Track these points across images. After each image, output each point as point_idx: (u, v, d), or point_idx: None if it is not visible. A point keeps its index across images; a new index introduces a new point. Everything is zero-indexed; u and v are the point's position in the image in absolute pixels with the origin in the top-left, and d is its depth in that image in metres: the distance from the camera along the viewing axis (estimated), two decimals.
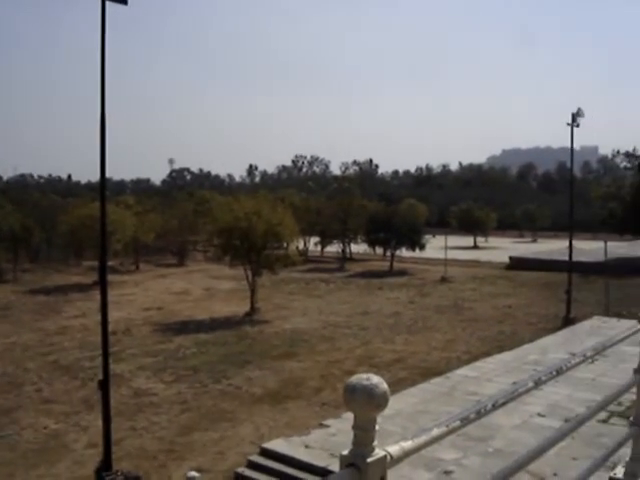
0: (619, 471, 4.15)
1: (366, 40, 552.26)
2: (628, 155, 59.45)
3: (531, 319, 26.36)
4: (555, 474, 9.26)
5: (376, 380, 1.96)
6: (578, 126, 29.93)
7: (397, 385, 16.32)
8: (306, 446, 11.18)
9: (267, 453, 11.50)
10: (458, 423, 2.25)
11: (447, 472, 10.12)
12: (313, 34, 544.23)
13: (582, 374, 15.57)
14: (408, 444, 2.01)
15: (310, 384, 17.03)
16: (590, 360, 16.97)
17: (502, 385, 14.42)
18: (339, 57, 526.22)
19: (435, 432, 2.16)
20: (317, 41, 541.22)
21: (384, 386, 1.95)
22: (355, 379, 1.97)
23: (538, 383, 2.70)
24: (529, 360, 17.30)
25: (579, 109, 30.07)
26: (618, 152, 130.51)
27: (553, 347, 18.90)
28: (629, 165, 58.91)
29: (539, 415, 12.61)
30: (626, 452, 4.19)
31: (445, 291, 34.52)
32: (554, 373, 2.83)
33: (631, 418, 4.21)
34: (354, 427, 1.96)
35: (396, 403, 14.10)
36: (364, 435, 1.93)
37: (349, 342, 22.20)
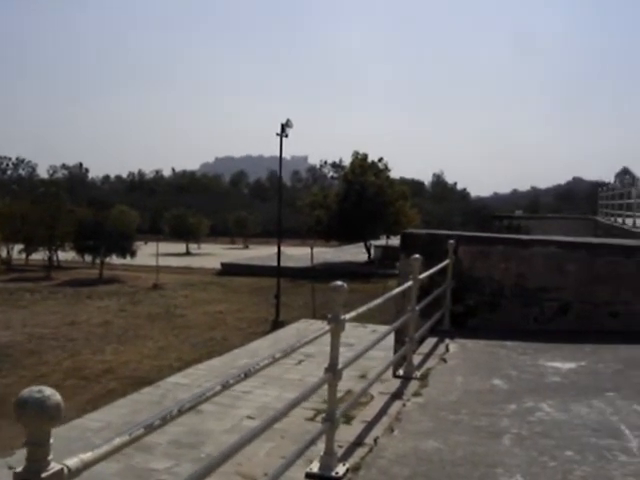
0: (314, 465, 4.31)
1: (82, 39, 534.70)
2: (334, 166, 63.03)
3: (242, 324, 26.92)
4: (266, 474, 9.50)
5: (49, 392, 1.84)
6: (287, 136, 31.28)
7: (107, 397, 15.93)
8: (10, 467, 10.50)
9: None
10: (142, 431, 2.19)
11: None
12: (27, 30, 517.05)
13: (290, 375, 16.15)
14: (87, 455, 1.91)
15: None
16: (297, 361, 17.70)
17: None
18: (54, 56, 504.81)
19: (117, 441, 2.08)
20: (31, 38, 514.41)
21: (57, 397, 1.85)
22: (26, 392, 1.84)
23: (226, 386, 2.71)
24: (239, 364, 17.57)
25: (288, 120, 31.42)
26: (326, 162, 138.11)
27: (262, 350, 19.35)
28: (335, 175, 62.47)
29: (249, 418, 12.84)
30: (322, 447, 4.39)
31: (157, 298, 34.13)
32: (242, 375, 2.87)
33: (324, 415, 4.41)
34: (27, 443, 1.83)
35: (106, 415, 13.71)
36: (38, 450, 1.81)
37: (56, 355, 21.21)
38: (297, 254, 48.65)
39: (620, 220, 22.70)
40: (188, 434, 12.42)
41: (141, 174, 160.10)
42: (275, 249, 32.25)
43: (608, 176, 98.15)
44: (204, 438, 11.74)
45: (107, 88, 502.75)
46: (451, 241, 8.70)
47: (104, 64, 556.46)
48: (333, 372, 4.11)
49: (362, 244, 51.46)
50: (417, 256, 6.61)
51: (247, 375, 2.86)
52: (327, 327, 3.99)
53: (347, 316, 4.18)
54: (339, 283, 4.09)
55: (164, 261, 44.61)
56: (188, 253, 67.18)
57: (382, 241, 52.70)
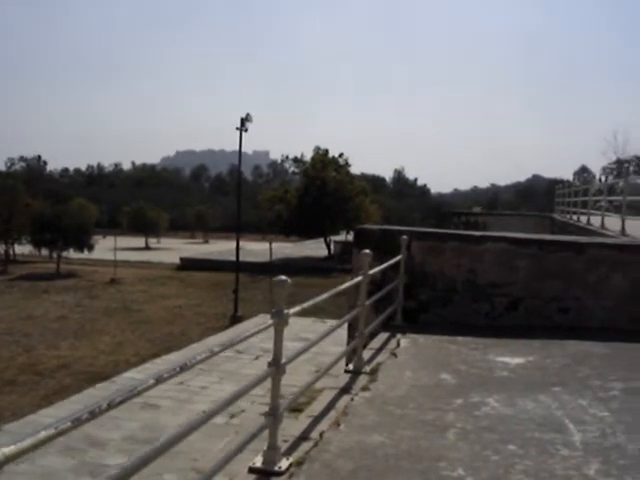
0: (258, 460, 4.31)
1: (43, 34, 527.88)
2: (296, 160, 62.78)
3: (200, 319, 26.80)
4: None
5: None
6: (247, 130, 31.18)
7: (62, 392, 15.81)
8: None
9: None
10: (69, 424, 2.17)
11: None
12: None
13: (247, 371, 16.17)
14: (10, 449, 1.89)
15: None
16: (255, 357, 17.70)
17: (168, 386, 14.48)
18: (14, 48, 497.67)
19: (43, 434, 2.06)
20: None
21: None
22: None
23: (159, 380, 2.71)
24: (196, 359, 17.53)
25: (248, 114, 31.33)
26: (287, 157, 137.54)
27: (219, 345, 19.31)
28: (297, 170, 62.27)
29: (204, 412, 12.76)
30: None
31: (114, 293, 33.79)
32: (178, 369, 2.87)
33: (267, 409, 4.41)
34: None
35: (61, 411, 13.59)
36: None
37: (10, 350, 20.92)
38: (257, 249, 48.55)
39: (575, 217, 23.00)
40: (143, 429, 12.39)
41: (100, 167, 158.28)
42: (235, 244, 32.16)
43: (567, 174, 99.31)
44: (159, 433, 11.71)
45: (68, 81, 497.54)
46: (404, 237, 8.74)
47: (65, 58, 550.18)
48: (277, 366, 4.12)
49: (322, 239, 51.47)
50: (367, 251, 6.62)
51: (182, 369, 2.86)
52: (270, 321, 3.99)
53: (291, 311, 4.19)
54: (283, 278, 4.11)
55: (122, 255, 44.26)
56: (147, 247, 66.66)
57: (342, 236, 52.71)
